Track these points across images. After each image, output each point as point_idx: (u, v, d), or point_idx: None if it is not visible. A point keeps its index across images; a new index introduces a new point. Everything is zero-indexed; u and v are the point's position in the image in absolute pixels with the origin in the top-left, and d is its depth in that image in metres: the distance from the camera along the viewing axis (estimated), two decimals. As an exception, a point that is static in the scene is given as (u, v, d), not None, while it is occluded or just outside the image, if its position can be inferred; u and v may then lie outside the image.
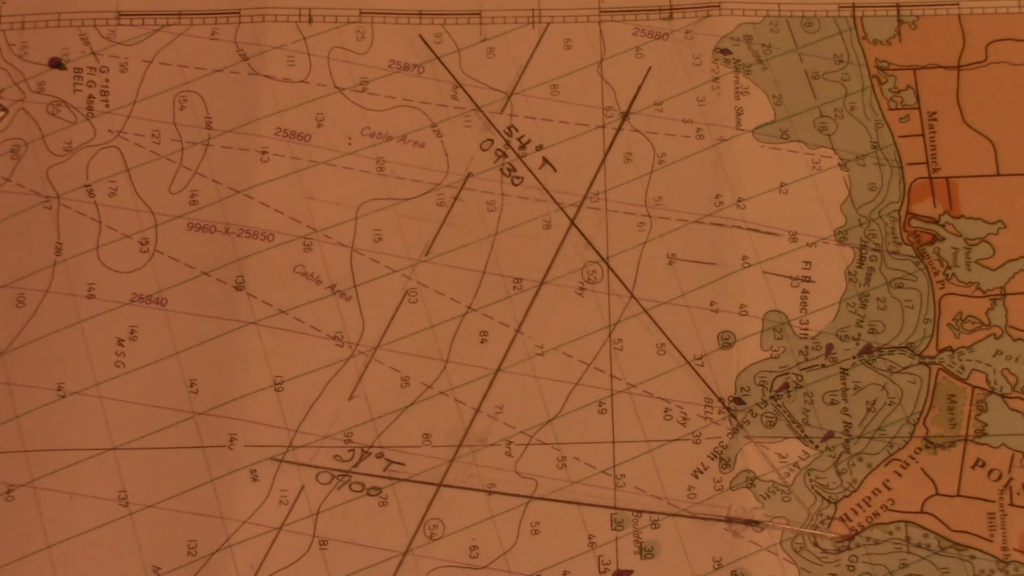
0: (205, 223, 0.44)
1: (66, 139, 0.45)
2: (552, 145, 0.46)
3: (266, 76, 0.46)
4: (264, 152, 0.45)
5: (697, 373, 0.44)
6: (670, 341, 0.44)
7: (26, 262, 0.43)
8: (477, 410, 0.43)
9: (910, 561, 0.42)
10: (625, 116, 0.46)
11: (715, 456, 0.43)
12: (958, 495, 0.42)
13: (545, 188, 0.46)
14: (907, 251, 0.45)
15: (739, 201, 0.45)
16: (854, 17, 0.47)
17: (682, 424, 0.43)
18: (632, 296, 0.44)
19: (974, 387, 0.44)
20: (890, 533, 0.42)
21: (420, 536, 0.42)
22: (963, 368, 0.44)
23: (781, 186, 0.46)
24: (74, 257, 0.44)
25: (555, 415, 0.43)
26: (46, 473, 0.42)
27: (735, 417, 0.43)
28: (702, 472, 0.43)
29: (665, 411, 0.43)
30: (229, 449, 0.42)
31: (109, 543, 0.41)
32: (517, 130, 0.46)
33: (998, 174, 0.46)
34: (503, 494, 0.42)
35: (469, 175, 0.46)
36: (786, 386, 0.44)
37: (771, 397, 0.43)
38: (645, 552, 0.42)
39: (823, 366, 0.44)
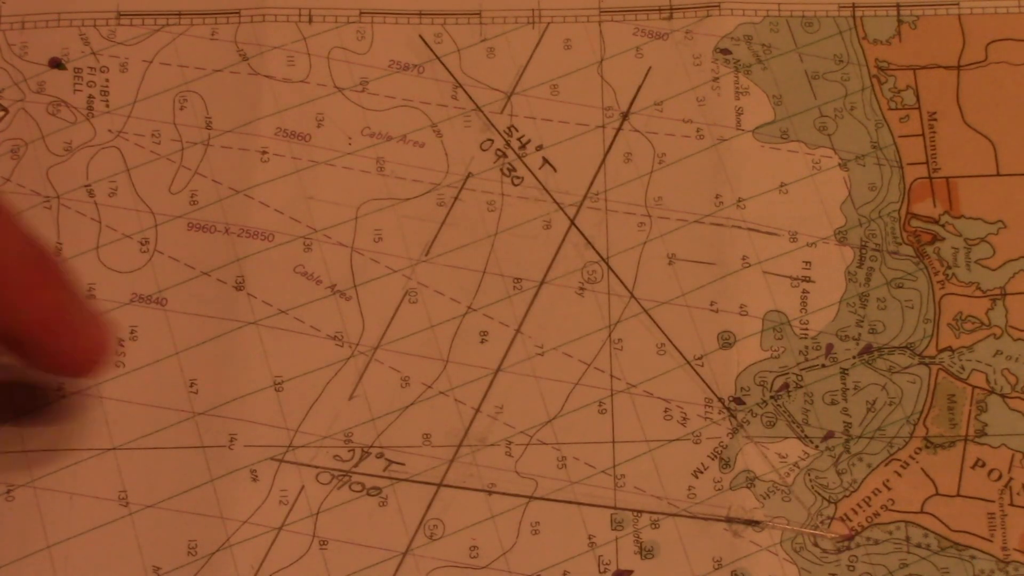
0: (205, 223, 0.44)
1: (66, 139, 0.45)
2: (552, 145, 0.46)
3: (266, 76, 0.46)
4: (264, 152, 0.45)
5: (697, 373, 0.44)
6: (670, 341, 0.44)
7: (26, 262, 0.43)
8: (477, 410, 0.43)
9: (910, 561, 0.42)
10: (625, 116, 0.46)
11: (715, 456, 0.43)
12: (958, 495, 0.42)
13: (545, 188, 0.46)
14: (907, 251, 0.45)
15: (739, 201, 0.46)
16: (854, 17, 0.47)
17: (682, 424, 0.43)
18: (632, 296, 0.44)
19: (974, 387, 0.44)
20: (890, 533, 0.42)
21: (420, 536, 0.42)
22: (963, 368, 0.44)
23: (781, 186, 0.46)
24: (74, 257, 0.44)
25: (555, 415, 0.43)
26: (46, 473, 0.42)
27: (735, 417, 0.43)
28: (702, 472, 0.43)
29: (665, 411, 0.43)
30: (229, 449, 0.42)
31: (109, 543, 0.41)
32: (517, 130, 0.46)
33: (998, 174, 0.46)
34: (503, 494, 0.42)
35: (469, 175, 0.46)
36: (786, 386, 0.44)
37: (771, 397, 0.43)
38: (645, 552, 0.42)
39: (823, 366, 0.44)
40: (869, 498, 0.42)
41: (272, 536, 0.41)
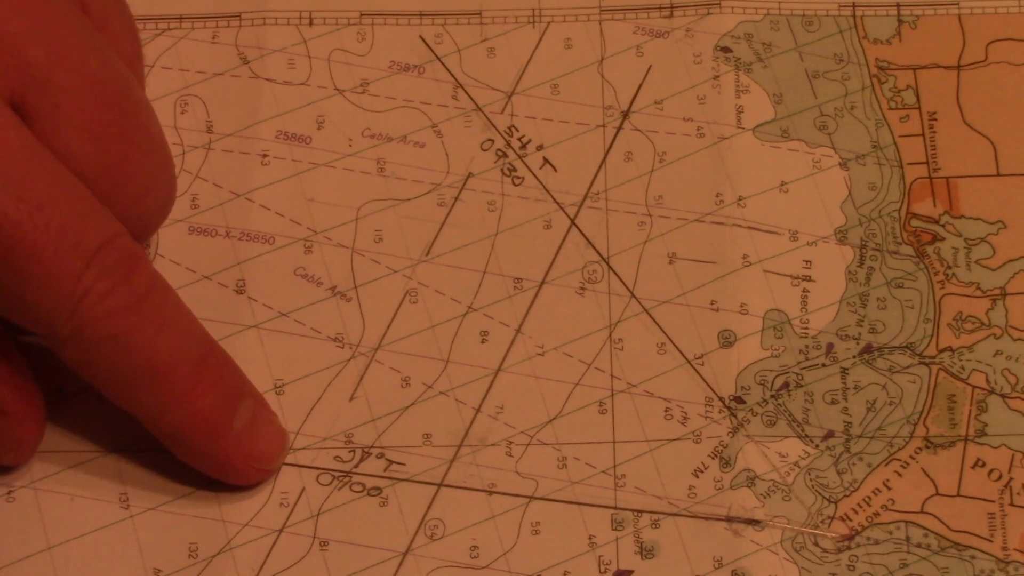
0: (206, 227, 0.45)
1: (68, 142, 0.45)
2: (552, 145, 0.46)
3: (267, 79, 0.46)
4: (265, 155, 0.45)
5: (698, 372, 0.44)
6: (671, 340, 0.44)
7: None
8: (478, 410, 0.43)
9: (910, 561, 0.42)
10: (625, 115, 0.46)
11: (715, 455, 0.43)
12: (958, 495, 0.42)
13: (546, 188, 0.46)
14: (907, 251, 0.45)
15: (739, 200, 0.46)
16: (854, 16, 0.47)
17: (682, 424, 0.43)
18: (632, 296, 0.44)
19: (974, 387, 0.44)
20: (890, 533, 0.42)
21: (420, 536, 0.42)
22: (963, 368, 0.44)
23: (781, 185, 0.46)
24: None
25: (556, 415, 0.43)
26: (47, 474, 0.42)
27: (735, 416, 0.43)
28: (702, 471, 0.43)
29: (665, 411, 0.43)
30: (231, 450, 0.43)
31: (110, 545, 0.41)
32: (517, 130, 0.46)
33: (998, 174, 0.46)
34: (504, 494, 0.42)
35: (469, 175, 0.46)
36: (786, 385, 0.44)
37: (771, 396, 0.43)
38: (645, 552, 0.42)
39: (823, 365, 0.44)
40: (869, 498, 0.42)
41: (273, 538, 0.41)
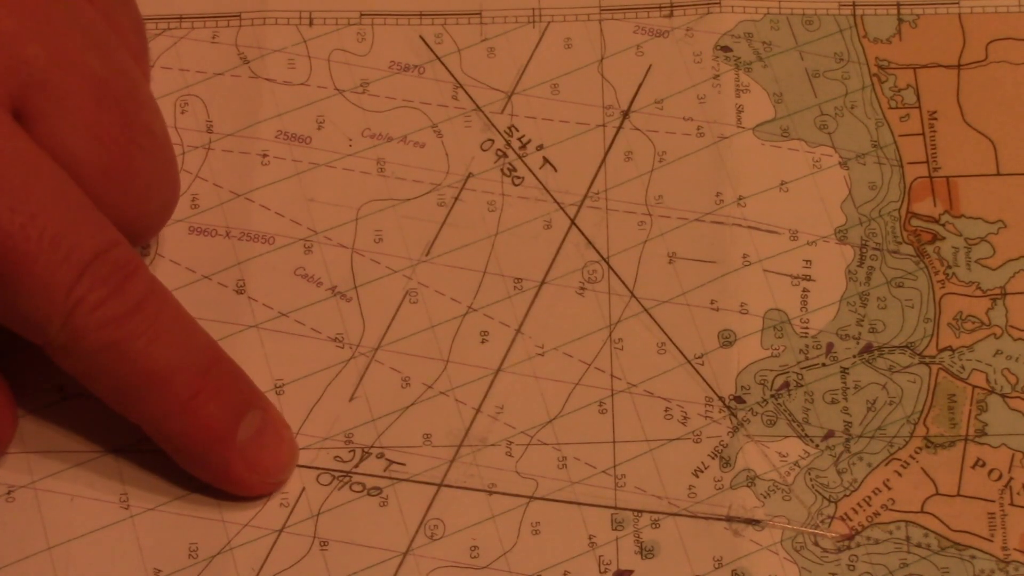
0: (206, 227, 0.45)
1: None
2: (552, 145, 0.46)
3: (267, 79, 0.46)
4: (265, 155, 0.45)
5: (698, 372, 0.44)
6: (671, 340, 0.44)
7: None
8: (478, 410, 0.43)
9: (910, 561, 0.42)
10: (626, 115, 0.46)
11: (715, 455, 0.43)
12: (958, 495, 0.42)
13: (546, 188, 0.46)
14: (907, 250, 0.45)
15: (739, 199, 0.46)
16: (854, 16, 0.47)
17: (682, 423, 0.43)
18: (632, 295, 0.44)
19: (974, 387, 0.44)
20: (890, 533, 0.42)
21: (420, 536, 0.42)
22: (963, 368, 0.44)
23: (781, 184, 0.46)
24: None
25: (556, 415, 0.43)
26: (47, 474, 0.42)
27: (735, 416, 0.43)
28: (702, 471, 0.43)
29: (666, 410, 0.43)
30: (231, 451, 0.43)
31: (110, 545, 0.41)
32: (517, 130, 0.46)
33: (998, 174, 0.46)
34: (504, 494, 0.42)
35: (469, 175, 0.46)
36: (786, 385, 0.44)
37: (771, 396, 0.43)
38: (645, 552, 0.42)
39: (823, 365, 0.44)
40: (869, 497, 0.42)
41: (273, 538, 0.41)
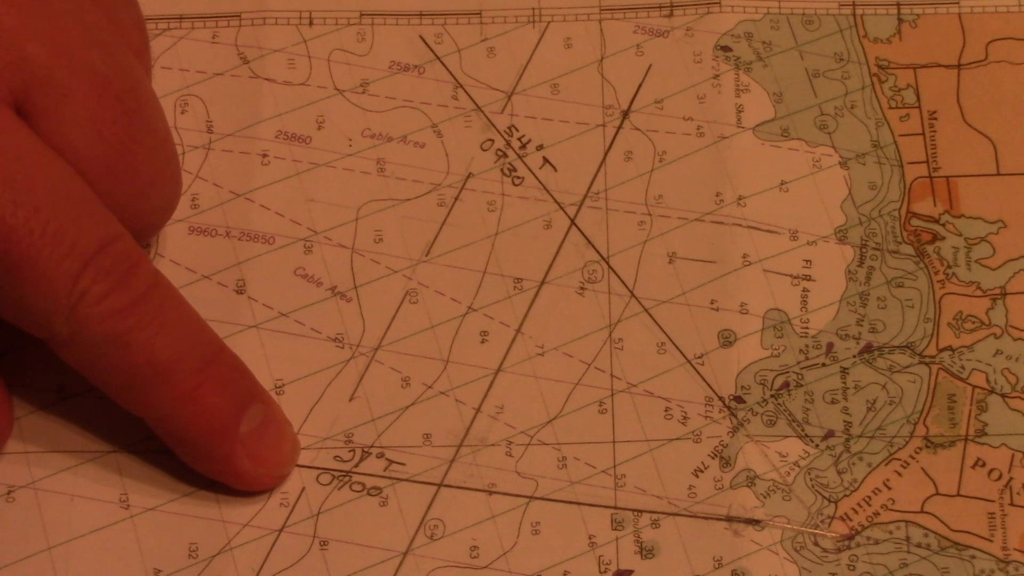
0: (206, 227, 0.45)
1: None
2: (552, 144, 0.46)
3: (267, 79, 0.46)
4: (265, 155, 0.45)
5: (698, 372, 0.44)
6: (671, 340, 0.44)
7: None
8: (478, 410, 0.43)
9: (910, 561, 0.42)
10: (626, 114, 0.46)
11: (715, 455, 0.43)
12: (958, 495, 0.42)
13: (546, 188, 0.46)
14: (907, 250, 0.45)
15: (739, 199, 0.46)
16: (854, 15, 0.47)
17: (682, 423, 0.43)
18: (632, 295, 0.45)
19: (974, 387, 0.44)
20: (890, 533, 0.42)
21: (420, 536, 0.42)
22: (963, 368, 0.44)
23: (781, 184, 0.46)
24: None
25: (555, 415, 0.43)
26: (47, 474, 0.42)
27: (735, 416, 0.43)
28: (702, 471, 0.43)
29: (665, 410, 0.43)
30: (231, 451, 0.43)
31: (110, 545, 0.41)
32: (517, 130, 0.46)
33: (998, 173, 0.46)
34: (504, 494, 0.42)
35: (469, 175, 0.46)
36: (786, 385, 0.44)
37: (771, 396, 0.43)
38: (645, 552, 0.42)
39: (823, 365, 0.44)
40: (869, 497, 0.42)
41: (273, 538, 0.42)
